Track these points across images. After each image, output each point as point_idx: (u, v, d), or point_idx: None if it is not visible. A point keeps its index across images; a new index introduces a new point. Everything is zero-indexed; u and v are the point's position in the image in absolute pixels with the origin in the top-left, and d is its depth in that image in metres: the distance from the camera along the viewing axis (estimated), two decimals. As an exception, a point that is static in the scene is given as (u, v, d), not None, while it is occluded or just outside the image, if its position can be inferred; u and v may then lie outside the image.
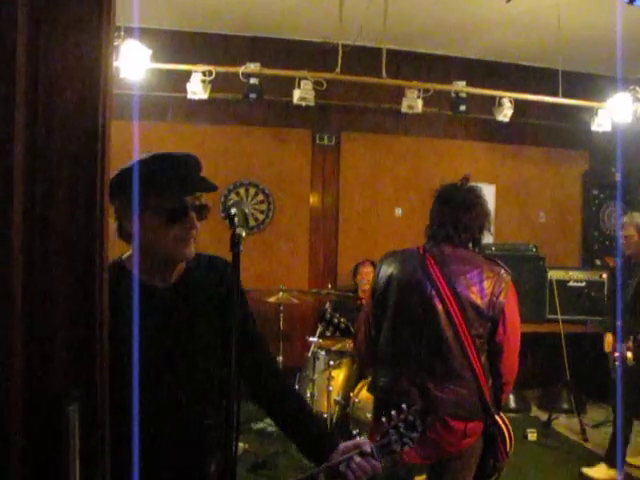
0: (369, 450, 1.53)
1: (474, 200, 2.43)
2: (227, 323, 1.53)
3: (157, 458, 1.42)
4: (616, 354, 4.15)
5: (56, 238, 0.77)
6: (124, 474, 1.39)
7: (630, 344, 4.08)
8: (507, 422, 2.46)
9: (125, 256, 1.52)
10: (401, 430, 1.59)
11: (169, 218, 1.40)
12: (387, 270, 2.50)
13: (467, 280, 2.34)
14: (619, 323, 4.11)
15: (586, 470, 4.25)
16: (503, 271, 2.39)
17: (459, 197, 2.43)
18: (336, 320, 3.90)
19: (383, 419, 1.61)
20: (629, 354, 4.09)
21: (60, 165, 0.81)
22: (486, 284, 2.33)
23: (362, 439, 1.60)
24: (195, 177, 1.46)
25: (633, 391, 4.01)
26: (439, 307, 2.32)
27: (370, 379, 2.62)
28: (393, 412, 1.61)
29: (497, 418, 2.40)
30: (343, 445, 1.57)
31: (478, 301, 2.31)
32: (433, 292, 2.34)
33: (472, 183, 2.51)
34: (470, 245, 2.45)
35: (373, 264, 5.22)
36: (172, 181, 1.41)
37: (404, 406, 1.64)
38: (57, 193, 0.78)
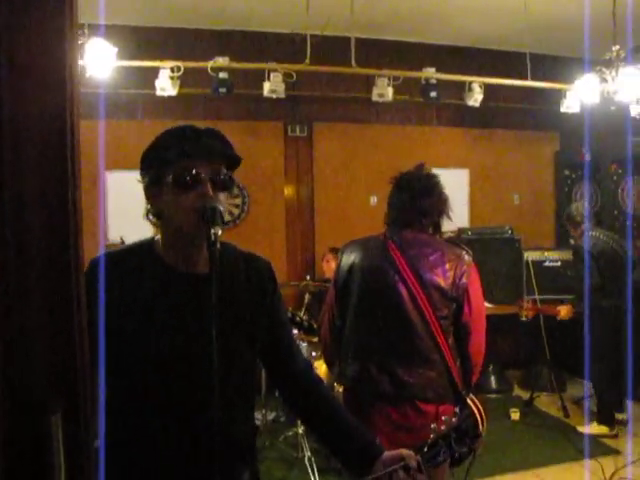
0: (415, 465, 1.40)
1: (432, 186, 2.46)
2: (257, 326, 1.51)
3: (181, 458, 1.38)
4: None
5: (30, 245, 0.76)
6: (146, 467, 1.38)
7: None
8: (478, 404, 2.49)
9: (157, 238, 1.47)
10: (452, 440, 1.46)
11: (180, 186, 1.34)
12: (349, 259, 2.50)
13: (430, 263, 2.36)
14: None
15: (580, 428, 4.71)
16: (464, 253, 2.43)
17: (417, 184, 2.45)
18: (298, 319, 3.89)
19: (433, 425, 1.50)
20: (562, 313, 4.75)
21: (29, 168, 0.79)
22: (448, 266, 2.36)
23: (407, 451, 1.45)
24: (206, 147, 1.38)
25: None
26: (403, 292, 2.34)
27: (338, 369, 2.62)
28: (444, 417, 1.51)
29: (468, 400, 2.43)
30: (387, 455, 1.45)
31: (442, 283, 2.34)
32: (397, 277, 2.35)
33: (429, 170, 2.54)
34: (430, 230, 2.47)
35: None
36: (183, 149, 1.36)
37: (457, 410, 1.57)
38: (27, 197, 0.76)
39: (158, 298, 1.40)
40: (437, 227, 2.49)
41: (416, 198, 2.42)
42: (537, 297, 5.56)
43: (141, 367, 1.37)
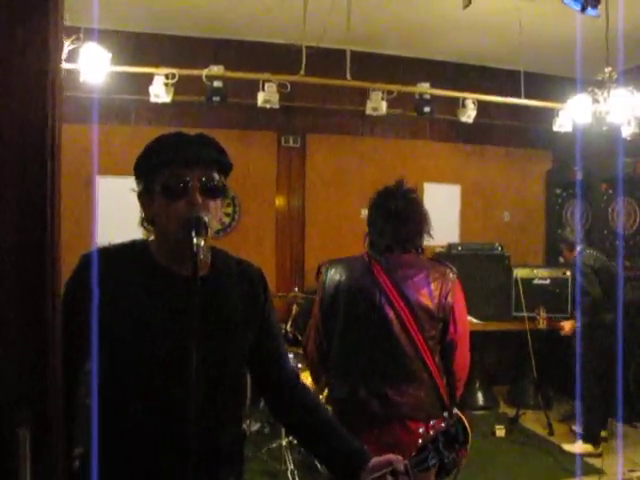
0: (402, 469, 1.40)
1: (411, 210, 2.41)
2: (247, 332, 1.50)
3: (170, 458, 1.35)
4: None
5: (5, 254, 0.74)
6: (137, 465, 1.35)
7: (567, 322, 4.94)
8: (463, 418, 2.48)
9: (150, 239, 1.47)
10: (440, 444, 1.46)
11: (168, 195, 1.34)
12: (334, 279, 2.47)
13: (415, 284, 2.35)
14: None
15: (566, 446, 4.76)
16: (449, 270, 2.42)
17: (396, 206, 2.40)
18: (283, 331, 3.88)
19: (421, 430, 1.51)
20: (567, 328, 4.90)
21: (8, 174, 0.78)
22: (434, 286, 2.35)
23: (395, 456, 1.45)
24: (196, 154, 1.38)
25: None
26: (390, 314, 2.32)
27: (326, 391, 2.60)
28: (432, 421, 1.51)
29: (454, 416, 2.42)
30: (374, 461, 1.45)
31: (428, 304, 2.33)
32: (383, 299, 2.33)
33: (407, 186, 2.48)
34: (413, 250, 2.43)
35: None
36: (173, 157, 1.35)
37: (446, 414, 1.57)
38: (5, 205, 0.75)
39: (149, 297, 1.39)
40: (419, 247, 2.45)
41: (396, 225, 2.39)
42: (525, 314, 5.56)
43: (129, 364, 1.36)
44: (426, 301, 2.33)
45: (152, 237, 1.47)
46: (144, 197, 1.41)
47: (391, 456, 1.45)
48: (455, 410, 2.46)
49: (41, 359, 0.74)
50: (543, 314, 5.24)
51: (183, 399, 1.25)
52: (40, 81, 0.78)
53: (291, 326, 4.57)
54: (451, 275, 2.41)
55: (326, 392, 2.59)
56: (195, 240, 1.25)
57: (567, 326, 4.87)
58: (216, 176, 1.39)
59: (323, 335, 2.51)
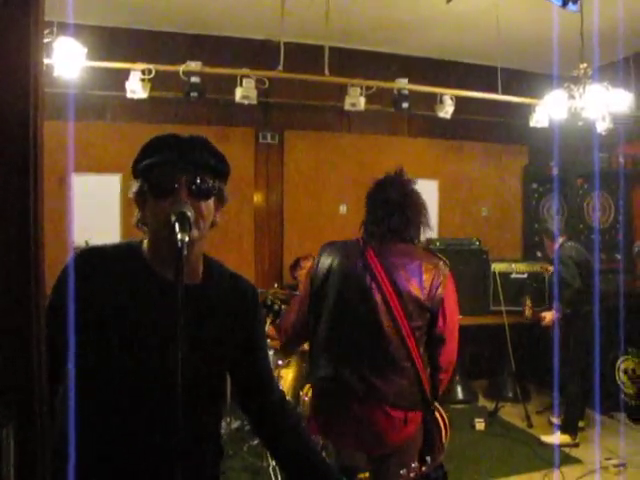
0: None
1: (408, 200, 2.42)
2: (229, 350, 1.49)
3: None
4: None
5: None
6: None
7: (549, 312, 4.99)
8: (443, 414, 2.50)
9: (145, 240, 1.46)
10: None
11: (156, 193, 1.34)
12: (326, 261, 2.48)
13: (406, 273, 2.35)
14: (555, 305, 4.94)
15: (544, 438, 4.80)
16: (442, 263, 2.42)
17: (393, 195, 2.41)
18: (277, 307, 3.85)
19: (402, 472, 1.50)
20: (547, 319, 4.94)
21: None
22: (425, 276, 2.35)
23: None
24: (189, 154, 1.38)
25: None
26: (378, 299, 2.33)
27: (310, 369, 2.61)
28: (414, 464, 1.50)
29: (435, 411, 2.43)
30: None
31: (418, 293, 2.33)
32: (373, 284, 2.34)
33: (407, 176, 2.49)
34: (408, 239, 2.44)
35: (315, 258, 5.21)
36: (161, 158, 1.36)
37: (428, 459, 1.56)
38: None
39: (136, 298, 1.38)
40: (416, 237, 2.46)
41: (392, 213, 2.39)
42: (503, 308, 5.62)
43: (113, 364, 1.34)
44: (416, 290, 2.33)
45: (146, 239, 1.47)
46: (139, 198, 1.41)
47: None
48: (436, 404, 2.48)
49: (25, 356, 0.72)
50: (529, 303, 5.36)
51: (162, 405, 1.25)
52: (21, 77, 0.76)
53: (270, 324, 4.55)
54: (444, 268, 2.41)
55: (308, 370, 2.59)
56: (179, 236, 1.22)
57: (548, 316, 4.92)
58: (206, 178, 1.39)
59: (310, 314, 2.51)
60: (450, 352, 2.44)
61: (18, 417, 0.71)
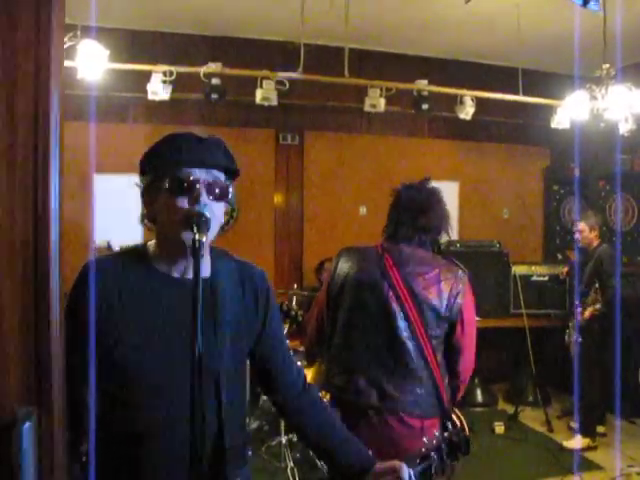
0: (407, 477, 1.42)
1: (433, 203, 2.43)
2: (246, 337, 1.51)
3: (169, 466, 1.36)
4: (573, 337, 4.91)
5: (9, 251, 0.74)
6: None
7: (588, 308, 4.79)
8: (462, 418, 2.48)
9: (150, 243, 1.47)
10: (444, 453, 1.48)
11: (172, 190, 1.35)
12: (344, 267, 2.48)
13: (425, 281, 2.34)
14: (577, 303, 4.87)
15: (566, 443, 4.76)
16: (461, 272, 2.41)
17: (418, 199, 2.42)
18: (294, 313, 3.86)
19: (425, 439, 1.52)
20: (587, 314, 4.78)
21: (12, 173, 0.77)
22: (444, 285, 2.33)
23: (399, 462, 1.46)
24: (207, 154, 1.40)
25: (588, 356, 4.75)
26: (396, 308, 2.32)
27: (325, 377, 2.61)
28: (436, 432, 1.52)
29: (453, 415, 2.41)
30: (378, 466, 1.48)
31: (436, 302, 2.32)
32: (391, 293, 2.33)
33: (432, 184, 2.51)
34: (429, 245, 2.44)
35: None
36: (180, 156, 1.37)
37: (449, 424, 1.58)
38: (8, 204, 0.75)
39: (149, 302, 1.39)
40: (436, 243, 2.47)
41: (416, 215, 2.40)
42: (524, 311, 5.58)
43: (129, 369, 1.35)
44: (434, 299, 2.31)
45: (151, 241, 1.47)
46: (149, 193, 1.41)
47: (395, 462, 1.46)
48: (455, 411, 2.47)
49: (44, 353, 0.74)
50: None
51: (183, 402, 1.25)
52: (43, 79, 0.77)
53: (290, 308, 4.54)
54: (463, 276, 2.39)
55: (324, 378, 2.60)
56: (197, 236, 1.25)
57: (586, 313, 4.81)
58: (224, 180, 1.41)
59: (327, 320, 2.52)
60: (468, 361, 2.43)
61: (38, 414, 0.72)
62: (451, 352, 2.39)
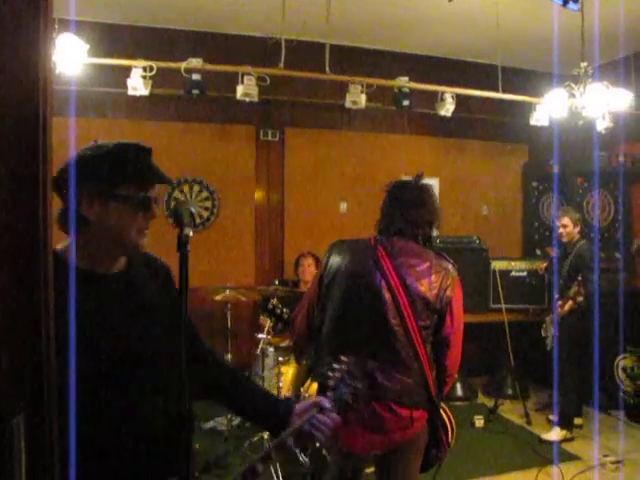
0: (329, 405, 1.57)
1: (425, 198, 2.49)
2: (169, 319, 1.53)
3: (121, 458, 1.40)
4: (552, 330, 5.00)
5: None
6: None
7: (569, 299, 4.80)
8: (449, 413, 2.52)
9: (61, 246, 1.47)
10: (347, 381, 1.64)
11: (136, 208, 1.43)
12: (336, 258, 2.51)
13: (417, 272, 2.38)
14: (556, 297, 4.95)
15: (544, 435, 4.82)
16: (451, 266, 2.45)
17: (411, 194, 2.48)
18: (279, 310, 3.86)
19: (329, 373, 1.67)
20: (566, 307, 4.80)
21: (1, 160, 0.77)
22: (434, 278, 2.38)
23: (317, 397, 1.63)
24: (155, 168, 1.49)
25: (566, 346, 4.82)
26: (387, 297, 2.35)
27: (313, 366, 2.62)
28: (335, 365, 1.67)
29: (440, 409, 2.45)
30: (299, 407, 1.62)
31: (427, 293, 2.35)
32: (383, 283, 2.36)
33: (424, 180, 2.56)
34: (420, 239, 2.48)
35: (314, 256, 5.23)
36: (140, 171, 1.45)
37: (343, 358, 1.68)
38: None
39: (79, 301, 1.34)
40: (427, 238, 2.51)
41: (408, 210, 2.45)
42: (503, 306, 5.64)
43: (83, 371, 1.35)
44: (425, 290, 2.35)
45: (62, 244, 1.47)
46: (90, 199, 1.41)
47: (313, 399, 1.64)
48: (442, 405, 2.49)
49: (35, 348, 0.74)
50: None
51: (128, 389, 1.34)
52: (31, 75, 0.77)
53: (270, 327, 4.55)
54: (452, 270, 2.44)
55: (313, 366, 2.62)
56: (185, 231, 1.31)
57: (567, 305, 4.82)
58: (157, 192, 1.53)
59: (318, 310, 2.54)
60: (456, 354, 2.46)
61: (28, 408, 0.72)
62: (439, 346, 2.42)
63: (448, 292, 2.38)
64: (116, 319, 1.44)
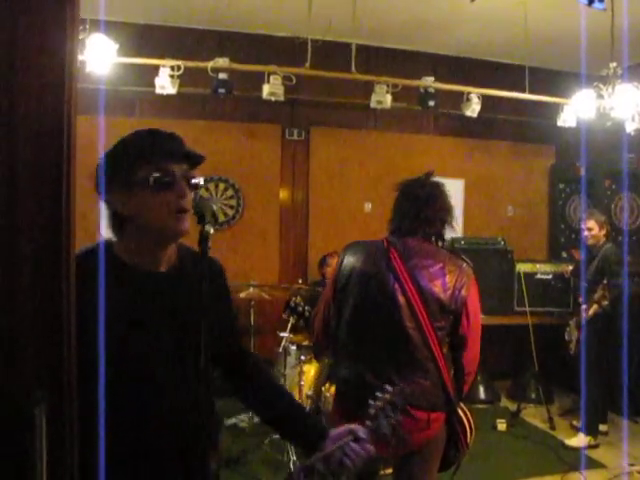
0: (363, 435, 1.53)
1: (436, 195, 2.47)
2: (216, 321, 1.53)
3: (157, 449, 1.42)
4: (576, 334, 4.96)
5: (20, 235, 0.76)
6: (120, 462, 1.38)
7: (594, 303, 4.73)
8: (468, 413, 2.50)
9: (113, 240, 1.48)
10: (387, 412, 1.60)
11: (156, 186, 1.37)
12: (350, 261, 2.50)
13: (430, 274, 2.36)
14: (582, 300, 4.85)
15: (568, 441, 4.75)
16: (465, 265, 2.43)
17: (422, 191, 2.46)
18: (300, 309, 3.88)
19: (371, 402, 1.63)
20: (591, 311, 4.74)
21: (23, 166, 0.79)
22: (448, 278, 2.36)
23: (353, 425, 1.58)
24: (180, 148, 1.43)
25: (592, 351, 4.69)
26: (401, 300, 2.33)
27: (331, 369, 2.64)
28: (378, 394, 1.63)
29: (458, 409, 2.43)
30: (335, 432, 1.57)
31: (441, 295, 2.33)
32: (396, 285, 2.35)
33: (436, 178, 2.54)
34: (433, 239, 2.47)
35: None
36: (158, 151, 1.40)
37: (388, 387, 1.65)
38: (20, 197, 0.77)
39: (121, 297, 1.39)
40: (440, 236, 2.49)
41: (420, 207, 2.42)
42: (527, 309, 5.58)
43: (105, 366, 1.37)
44: (439, 291, 2.33)
45: (113, 238, 1.48)
46: (119, 193, 1.40)
47: (350, 426, 1.56)
48: (461, 405, 2.48)
49: (56, 339, 0.76)
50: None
51: (160, 392, 1.32)
52: (57, 74, 0.79)
53: (291, 324, 4.58)
54: (467, 269, 2.41)
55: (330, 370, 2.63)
56: (206, 227, 1.31)
57: (591, 310, 4.78)
58: (194, 170, 1.46)
59: (334, 314, 2.53)
60: (473, 353, 2.45)
61: (50, 397, 0.75)
62: (456, 345, 2.42)
63: (463, 292, 2.36)
64: (147, 319, 1.42)
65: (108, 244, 1.48)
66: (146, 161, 1.38)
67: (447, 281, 2.35)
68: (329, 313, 2.56)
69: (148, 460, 1.40)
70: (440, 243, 2.49)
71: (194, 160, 1.46)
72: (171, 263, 1.50)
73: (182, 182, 1.39)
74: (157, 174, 1.37)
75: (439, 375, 2.34)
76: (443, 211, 2.47)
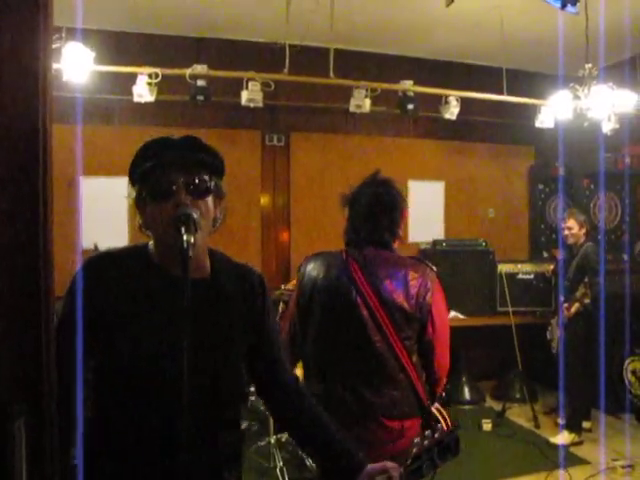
0: (398, 477, 1.43)
1: (390, 200, 2.38)
2: (245, 337, 1.53)
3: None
4: (558, 333, 5.01)
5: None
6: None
7: (576, 301, 4.81)
8: (443, 412, 2.46)
9: (151, 243, 1.49)
10: (434, 454, 1.47)
11: (155, 198, 1.37)
12: (311, 274, 2.43)
13: (392, 284, 2.30)
14: (561, 299, 4.94)
15: (552, 439, 4.80)
16: (428, 270, 2.37)
17: (373, 197, 2.37)
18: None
19: (416, 440, 1.50)
20: (572, 309, 4.80)
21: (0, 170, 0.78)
22: (412, 284, 2.30)
23: (391, 463, 1.47)
24: (182, 154, 1.40)
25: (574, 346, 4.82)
26: (365, 314, 2.28)
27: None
28: (428, 432, 1.51)
29: (433, 410, 2.39)
30: (370, 468, 1.49)
31: (405, 304, 2.28)
32: (359, 299, 2.29)
33: (381, 177, 2.44)
34: (392, 245, 2.40)
35: None
36: (155, 162, 1.38)
37: (440, 426, 1.55)
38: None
39: (147, 298, 1.41)
40: (396, 235, 2.40)
41: (373, 214, 2.35)
42: (510, 309, 5.63)
43: (130, 366, 1.36)
44: (402, 301, 2.28)
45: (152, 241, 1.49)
46: (139, 203, 1.43)
47: (387, 463, 1.47)
48: (436, 405, 2.45)
49: (35, 354, 0.74)
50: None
51: (176, 399, 1.24)
52: (31, 82, 0.78)
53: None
54: (430, 274, 2.35)
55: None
56: (185, 237, 1.26)
57: (572, 308, 4.83)
58: (203, 176, 1.41)
59: (299, 328, 2.46)
60: (442, 356, 2.40)
61: (29, 412, 0.73)
62: (425, 351, 2.36)
63: (427, 298, 2.30)
64: (165, 324, 1.37)
65: (145, 246, 1.50)
66: (147, 173, 1.38)
67: (410, 289, 2.29)
68: (294, 330, 2.49)
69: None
70: (397, 240, 2.41)
71: (202, 166, 1.43)
72: (201, 270, 1.46)
73: (182, 191, 1.37)
74: (152, 186, 1.38)
75: (410, 383, 2.30)
76: (399, 212, 2.39)
